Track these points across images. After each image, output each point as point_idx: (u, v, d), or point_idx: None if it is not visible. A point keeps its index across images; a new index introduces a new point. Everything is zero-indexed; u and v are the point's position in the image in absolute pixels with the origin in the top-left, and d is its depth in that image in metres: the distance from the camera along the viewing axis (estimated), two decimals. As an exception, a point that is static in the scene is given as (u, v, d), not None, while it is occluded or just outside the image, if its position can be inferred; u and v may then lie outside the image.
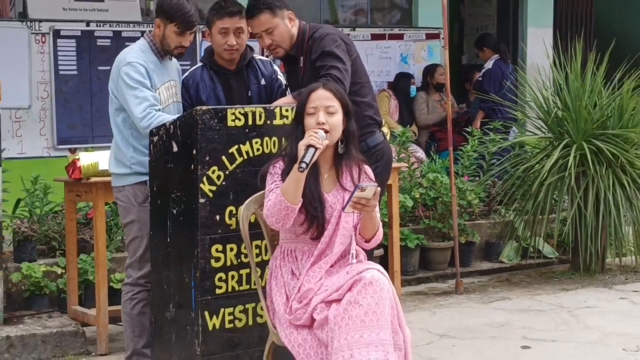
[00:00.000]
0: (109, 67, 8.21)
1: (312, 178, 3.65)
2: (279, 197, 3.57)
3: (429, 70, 9.56)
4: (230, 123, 3.96)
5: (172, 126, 4.06)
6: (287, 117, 4.06)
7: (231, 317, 4.01)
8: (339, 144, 3.74)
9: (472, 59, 10.69)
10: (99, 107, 8.16)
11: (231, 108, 4.00)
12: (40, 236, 6.27)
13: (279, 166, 3.72)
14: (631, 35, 10.67)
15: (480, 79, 9.26)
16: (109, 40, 8.30)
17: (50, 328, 5.20)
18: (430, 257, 7.29)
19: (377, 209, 3.69)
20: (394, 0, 10.26)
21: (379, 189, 3.58)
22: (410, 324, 3.73)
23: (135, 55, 4.55)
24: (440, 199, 7.26)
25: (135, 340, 4.59)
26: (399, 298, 3.65)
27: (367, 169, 3.81)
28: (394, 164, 6.08)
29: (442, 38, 7.70)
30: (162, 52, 4.62)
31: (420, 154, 8.56)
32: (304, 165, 3.48)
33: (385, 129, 5.39)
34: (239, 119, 3.98)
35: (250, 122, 4.01)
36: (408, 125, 8.35)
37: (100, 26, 8.28)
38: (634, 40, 8.87)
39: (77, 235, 5.79)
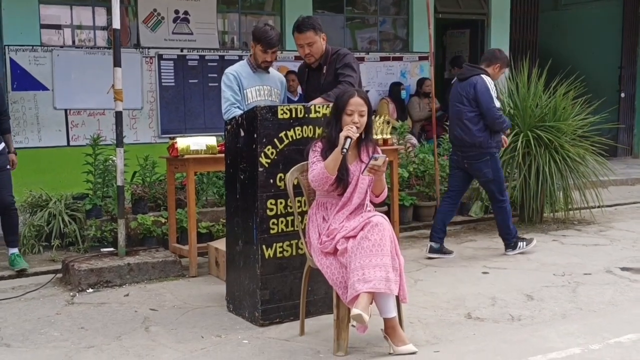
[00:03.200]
0: (197, 80, 8.43)
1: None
2: (322, 169, 3.63)
3: (420, 82, 9.55)
4: (280, 116, 4.01)
5: (240, 118, 4.13)
6: (319, 112, 4.10)
7: (281, 249, 4.07)
8: (362, 133, 3.76)
9: (451, 75, 10.61)
10: (189, 108, 8.28)
11: (281, 106, 4.08)
12: (150, 197, 6.31)
13: (319, 146, 3.77)
14: (564, 56, 10.51)
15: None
16: (196, 62, 8.38)
17: (157, 258, 5.19)
18: (421, 212, 7.20)
19: (384, 175, 3.78)
20: (396, 33, 10.21)
21: (387, 159, 3.66)
22: (404, 257, 3.77)
23: (231, 69, 4.74)
24: (427, 172, 7.22)
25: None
26: (397, 238, 3.68)
27: (378, 149, 3.84)
28: (395, 146, 6.15)
29: (429, 60, 7.68)
30: (256, 65, 4.73)
31: (414, 141, 8.53)
32: (344, 150, 3.56)
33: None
34: (286, 113, 4.03)
35: (294, 115, 4.05)
36: (405, 120, 8.37)
37: (190, 52, 8.36)
38: (566, 60, 8.76)
39: (175, 195, 5.79)
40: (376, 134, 5.75)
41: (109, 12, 8.02)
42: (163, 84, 8.19)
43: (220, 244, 5.07)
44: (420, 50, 9.68)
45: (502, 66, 5.85)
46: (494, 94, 5.64)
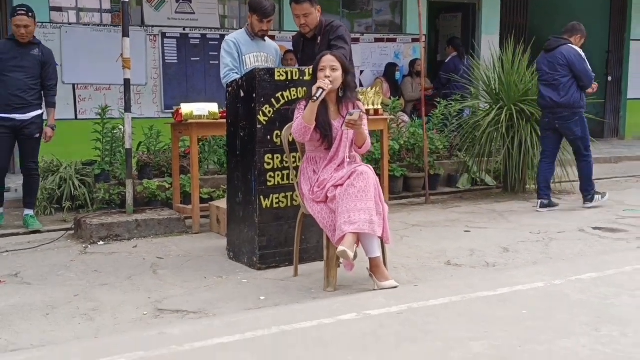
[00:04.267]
0: (198, 58, 8.80)
1: (324, 111, 4.04)
2: (300, 120, 3.99)
3: (412, 63, 9.93)
4: (277, 78, 4.37)
5: (240, 80, 4.51)
6: (311, 76, 4.50)
7: (277, 200, 4.45)
8: (340, 90, 4.13)
9: (444, 57, 10.96)
10: (191, 84, 8.64)
11: (278, 68, 4.47)
12: (155, 164, 6.64)
13: (302, 105, 4.10)
14: (545, 34, 10.86)
15: (441, 70, 9.69)
16: (198, 40, 8.75)
17: (162, 216, 5.55)
18: (411, 183, 7.51)
19: (365, 128, 4.14)
20: (391, 15, 10.57)
21: (363, 113, 4.02)
22: (393, 220, 4.14)
23: (231, 36, 5.16)
24: (417, 144, 7.55)
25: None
26: (387, 206, 4.02)
27: (359, 104, 4.15)
28: (383, 115, 6.52)
29: (422, 41, 8.06)
30: (253, 34, 5.13)
31: (406, 118, 8.88)
32: (314, 98, 3.90)
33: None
34: (282, 75, 4.39)
35: (289, 78, 4.41)
36: (397, 97, 8.74)
37: (192, 30, 8.74)
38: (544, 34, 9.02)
39: (179, 162, 6.16)
40: (367, 104, 6.13)
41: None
42: (166, 61, 8.57)
43: (221, 203, 5.48)
44: (414, 33, 10.03)
45: (582, 37, 6.62)
46: (584, 58, 6.44)
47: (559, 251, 4.97)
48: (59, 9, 8.21)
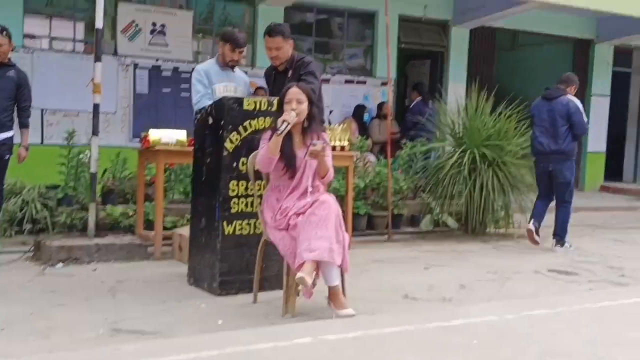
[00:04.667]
0: (169, 90, 8.90)
1: (288, 141, 4.13)
2: (265, 151, 4.08)
3: (380, 106, 10.17)
4: (245, 107, 4.48)
5: (210, 107, 4.61)
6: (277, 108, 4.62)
7: (240, 227, 4.50)
8: (305, 121, 4.22)
9: (411, 101, 11.25)
10: (161, 115, 8.69)
11: (247, 98, 4.58)
12: (119, 191, 6.67)
13: (267, 135, 4.19)
14: (520, 92, 11.19)
15: (407, 113, 9.97)
16: (170, 72, 8.87)
17: (124, 241, 5.57)
18: (374, 221, 7.56)
19: (329, 159, 4.22)
20: (361, 59, 10.85)
21: (325, 144, 4.12)
22: (355, 255, 4.23)
23: (201, 65, 5.29)
24: (382, 183, 7.65)
25: None
26: (349, 243, 4.11)
27: (324, 135, 4.26)
28: (349, 152, 6.64)
29: (388, 84, 8.28)
30: (223, 64, 5.25)
31: (372, 158, 9.05)
32: (279, 131, 4.00)
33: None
34: (251, 105, 4.51)
35: (257, 107, 4.52)
36: (365, 137, 8.91)
37: (165, 62, 8.86)
38: (522, 96, 9.28)
39: (144, 189, 6.15)
40: (334, 141, 6.27)
41: (87, 26, 8.54)
42: (137, 91, 8.64)
43: (184, 231, 5.49)
44: (383, 76, 10.28)
45: (576, 87, 7.20)
46: (582, 110, 6.99)
47: (513, 290, 5.10)
48: (32, 37, 8.28)
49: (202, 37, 9.45)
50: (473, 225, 7.48)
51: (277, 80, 5.25)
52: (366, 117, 10.02)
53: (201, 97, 5.09)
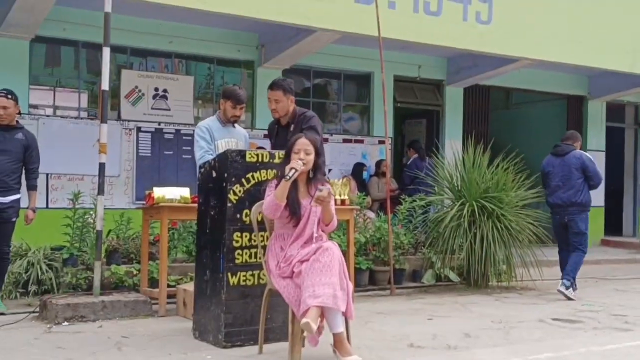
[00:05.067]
0: (172, 152, 9.06)
1: (294, 190, 4.25)
2: (272, 197, 4.20)
3: (378, 163, 10.35)
4: (248, 159, 4.62)
5: (213, 161, 4.75)
6: (281, 158, 4.71)
7: (244, 278, 4.57)
8: (310, 171, 4.38)
9: (408, 158, 11.43)
10: (163, 176, 8.81)
11: (249, 151, 4.72)
12: (123, 251, 6.78)
13: (273, 183, 4.32)
14: (516, 150, 11.47)
15: (405, 170, 10.15)
16: (172, 135, 9.05)
17: (129, 298, 5.60)
18: (376, 276, 7.63)
19: (332, 207, 4.36)
20: (358, 119, 11.09)
21: (331, 190, 4.25)
22: (358, 308, 4.27)
23: (203, 122, 5.45)
24: (382, 238, 7.76)
25: None
26: (352, 298, 4.14)
27: (327, 185, 4.39)
28: (350, 206, 6.75)
29: (386, 143, 8.46)
30: (225, 120, 5.42)
31: (372, 215, 9.16)
32: (287, 177, 4.13)
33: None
34: (253, 157, 4.65)
35: (260, 160, 4.66)
36: (364, 194, 9.02)
37: (167, 126, 9.06)
38: (508, 146, 9.41)
39: (148, 247, 6.26)
40: (334, 195, 6.37)
41: (90, 97, 8.79)
42: (140, 154, 8.81)
43: (189, 286, 5.55)
44: (380, 135, 10.48)
45: (580, 143, 7.71)
46: (594, 161, 7.49)
47: (518, 337, 5.11)
48: (36, 107, 8.52)
49: (202, 104, 9.70)
50: (475, 278, 7.51)
51: (280, 134, 5.43)
52: (365, 175, 10.18)
53: (204, 153, 5.25)
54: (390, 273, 7.37)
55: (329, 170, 10.05)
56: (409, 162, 10.17)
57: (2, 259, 5.76)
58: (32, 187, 5.90)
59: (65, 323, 5.27)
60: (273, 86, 5.36)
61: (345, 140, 10.49)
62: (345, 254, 6.69)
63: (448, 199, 8.04)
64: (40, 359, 4.24)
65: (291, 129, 5.35)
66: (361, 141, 10.64)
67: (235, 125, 5.55)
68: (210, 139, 5.32)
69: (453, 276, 8.01)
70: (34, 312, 5.59)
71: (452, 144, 10.07)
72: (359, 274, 7.37)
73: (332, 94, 11.00)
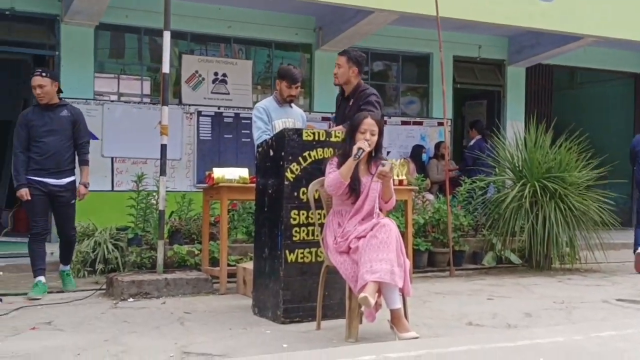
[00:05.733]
0: (231, 136, 9.21)
1: (355, 168, 4.26)
2: (337, 175, 4.22)
3: (438, 145, 10.26)
4: (304, 138, 4.66)
5: (270, 140, 4.82)
6: (339, 137, 4.72)
7: (302, 255, 4.62)
8: (372, 150, 4.35)
9: (469, 141, 11.29)
10: (223, 159, 8.99)
11: (306, 129, 4.77)
12: (185, 231, 6.98)
13: (335, 161, 4.35)
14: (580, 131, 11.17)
15: (467, 151, 10.00)
16: (232, 119, 9.22)
17: (191, 276, 5.74)
18: (435, 258, 7.62)
19: (391, 185, 4.38)
20: (417, 101, 11.01)
21: (392, 164, 4.26)
22: (416, 288, 4.28)
23: (261, 103, 5.54)
24: (441, 220, 7.72)
25: None
26: (410, 275, 4.17)
27: (386, 162, 4.38)
28: (408, 187, 6.71)
29: (444, 125, 8.38)
30: (281, 100, 5.48)
31: (431, 197, 9.10)
32: (356, 156, 4.15)
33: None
34: (310, 136, 4.69)
35: (317, 138, 4.70)
36: (423, 176, 8.96)
37: (226, 110, 9.23)
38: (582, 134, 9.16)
39: (209, 228, 6.37)
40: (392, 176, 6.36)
41: (153, 84, 8.99)
42: (201, 137, 9.01)
43: (248, 265, 5.64)
44: (439, 117, 10.39)
45: None
46: None
47: (581, 317, 5.01)
48: (100, 94, 8.77)
49: (261, 90, 9.80)
50: (537, 260, 7.39)
51: (341, 105, 5.50)
52: (424, 157, 10.11)
53: (262, 133, 5.32)
54: (450, 255, 7.33)
55: (388, 152, 10.03)
56: (471, 143, 10.02)
57: (69, 241, 5.91)
58: (83, 163, 5.84)
59: (131, 299, 5.45)
60: (342, 51, 5.47)
61: (404, 123, 10.46)
62: (403, 235, 6.70)
63: (509, 180, 7.90)
64: (108, 332, 4.40)
65: (350, 102, 5.37)
66: (420, 123, 10.59)
67: (292, 105, 5.60)
68: (267, 120, 5.39)
69: (514, 258, 7.91)
70: (101, 289, 5.81)
71: (514, 125, 9.89)
72: (417, 256, 7.36)
73: (390, 76, 10.96)
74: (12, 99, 10.03)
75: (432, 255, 7.69)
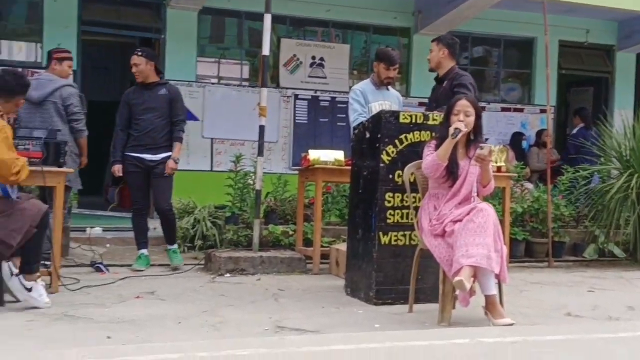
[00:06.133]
0: (327, 119, 9.29)
1: (453, 151, 4.22)
2: (434, 157, 4.21)
3: (540, 133, 9.94)
4: (401, 120, 4.66)
5: (367, 122, 4.84)
6: (436, 120, 4.70)
7: (395, 238, 4.64)
8: (471, 133, 4.32)
9: (572, 129, 10.89)
10: (319, 143, 8.98)
11: (403, 112, 4.76)
12: (280, 212, 7.15)
13: (433, 143, 4.33)
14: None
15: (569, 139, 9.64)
16: (328, 103, 9.29)
17: (285, 255, 5.90)
18: (533, 248, 7.38)
19: (490, 169, 4.31)
20: (518, 87, 10.72)
21: (492, 148, 4.20)
22: (513, 278, 4.22)
23: (358, 86, 5.56)
24: (541, 209, 7.49)
25: None
26: (506, 261, 4.12)
27: (485, 146, 4.29)
28: (506, 173, 6.56)
29: (547, 112, 8.11)
30: (378, 83, 5.49)
31: (530, 186, 8.85)
32: (453, 135, 4.12)
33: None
34: (407, 118, 4.68)
35: (414, 121, 4.69)
36: (522, 163, 8.73)
37: (323, 94, 9.31)
38: None
39: (303, 209, 6.53)
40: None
41: (252, 69, 9.19)
42: (297, 121, 9.15)
43: (341, 246, 5.74)
44: (542, 104, 10.06)
45: None
46: None
47: (691, 313, 4.77)
48: (202, 77, 9.06)
49: (357, 75, 9.82)
50: (643, 252, 7.06)
51: (436, 89, 5.45)
52: (524, 144, 9.83)
53: (358, 116, 5.35)
54: (549, 245, 7.12)
55: (486, 139, 9.81)
56: (574, 131, 9.65)
57: (167, 216, 5.96)
58: (176, 139, 5.86)
59: (227, 275, 5.65)
60: (435, 37, 5.49)
61: (503, 109, 10.20)
62: (500, 222, 6.57)
63: (615, 169, 7.58)
64: (206, 304, 4.58)
65: (444, 84, 5.33)
66: (521, 110, 10.29)
67: (389, 87, 5.59)
68: (364, 102, 5.40)
69: (618, 251, 7.56)
70: (199, 264, 6.04)
71: (622, 113, 9.41)
72: (514, 245, 7.18)
73: (491, 62, 10.71)
74: (122, 81, 10.52)
75: (530, 245, 7.49)
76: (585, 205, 7.83)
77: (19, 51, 8.64)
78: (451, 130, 4.16)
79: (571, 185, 7.98)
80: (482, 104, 9.84)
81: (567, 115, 11.55)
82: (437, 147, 4.28)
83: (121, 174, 5.86)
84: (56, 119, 5.62)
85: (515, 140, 9.90)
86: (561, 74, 10.57)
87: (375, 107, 5.39)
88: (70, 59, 6.03)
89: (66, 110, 5.68)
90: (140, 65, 5.84)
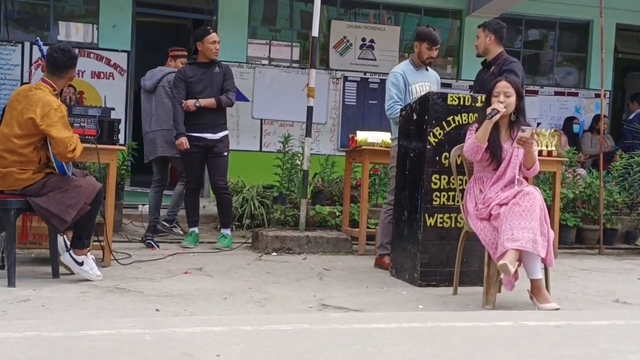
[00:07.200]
0: (376, 102, 9.27)
1: (496, 133, 4.20)
2: (473, 140, 4.19)
3: (596, 118, 9.72)
4: (449, 102, 4.64)
5: (414, 103, 4.83)
6: (483, 102, 4.70)
7: (441, 220, 4.64)
8: (512, 115, 4.30)
9: (629, 115, 10.62)
10: (367, 125, 9.02)
11: (451, 93, 4.74)
12: (327, 193, 7.21)
13: (474, 127, 4.30)
14: None
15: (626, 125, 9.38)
16: (377, 85, 9.28)
17: (331, 235, 5.98)
18: (584, 235, 7.28)
19: (535, 151, 4.26)
20: (573, 71, 10.48)
21: (534, 130, 4.15)
22: (561, 264, 4.14)
23: (398, 68, 5.43)
24: (593, 195, 7.36)
25: (382, 237, 5.39)
26: (553, 245, 4.05)
27: (527, 128, 4.21)
28: (557, 158, 6.46)
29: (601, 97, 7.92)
30: (418, 63, 5.44)
31: (583, 172, 8.69)
32: (489, 116, 4.10)
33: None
34: (455, 100, 4.66)
35: (462, 103, 4.67)
36: (574, 148, 8.56)
37: (372, 76, 9.30)
38: None
39: (350, 191, 6.59)
40: (541, 146, 6.16)
41: (302, 51, 9.22)
42: (346, 102, 9.16)
43: (387, 228, 5.75)
44: (597, 88, 9.82)
45: None
46: None
47: None
48: (253, 59, 9.14)
49: (407, 57, 9.74)
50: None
51: (482, 73, 5.39)
52: (576, 128, 9.62)
53: (394, 103, 5.23)
54: (600, 232, 6.99)
55: (538, 124, 9.68)
56: (630, 117, 9.42)
57: (222, 195, 5.98)
58: (219, 97, 5.86)
59: (274, 253, 5.74)
60: (484, 23, 5.45)
61: (557, 93, 10.00)
62: (550, 208, 6.49)
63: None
64: (252, 281, 4.68)
65: (491, 69, 5.27)
66: (575, 94, 10.07)
67: (428, 68, 5.51)
68: (403, 87, 5.27)
69: (675, 241, 7.41)
70: (247, 242, 6.15)
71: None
72: (565, 231, 7.08)
73: (545, 45, 10.50)
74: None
75: (581, 231, 7.37)
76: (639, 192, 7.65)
77: (77, 32, 8.88)
78: (488, 110, 4.13)
79: (625, 172, 7.80)
80: (535, 88, 9.70)
81: (624, 100, 11.25)
82: (477, 129, 4.26)
83: (188, 146, 5.87)
84: (166, 100, 6.30)
85: (568, 125, 9.75)
86: (618, 58, 10.30)
87: (416, 89, 5.31)
88: (185, 56, 6.65)
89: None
90: (218, 43, 5.92)
